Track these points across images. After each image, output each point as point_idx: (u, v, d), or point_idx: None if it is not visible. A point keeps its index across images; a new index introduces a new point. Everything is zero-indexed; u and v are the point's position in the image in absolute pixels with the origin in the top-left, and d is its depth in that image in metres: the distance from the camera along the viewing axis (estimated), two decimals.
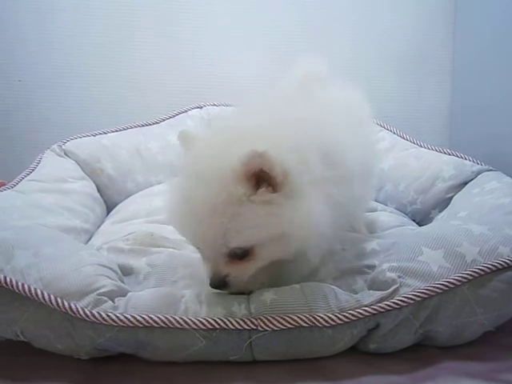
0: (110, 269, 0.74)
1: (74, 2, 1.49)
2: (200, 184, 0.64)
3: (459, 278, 0.67)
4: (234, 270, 0.68)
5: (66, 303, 0.63)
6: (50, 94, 1.52)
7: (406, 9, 1.59)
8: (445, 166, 1.23)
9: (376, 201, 1.32)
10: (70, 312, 0.63)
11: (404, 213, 1.25)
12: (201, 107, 1.49)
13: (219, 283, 0.68)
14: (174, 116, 1.46)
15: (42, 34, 1.50)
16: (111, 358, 0.68)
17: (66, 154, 1.25)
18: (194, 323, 0.64)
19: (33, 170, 1.15)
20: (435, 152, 1.31)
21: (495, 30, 1.30)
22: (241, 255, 0.67)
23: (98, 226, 1.14)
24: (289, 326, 0.65)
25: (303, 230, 0.66)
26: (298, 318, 0.65)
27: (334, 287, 0.71)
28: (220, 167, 0.63)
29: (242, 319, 0.65)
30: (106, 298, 0.65)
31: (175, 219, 0.71)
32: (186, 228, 0.69)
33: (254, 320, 0.65)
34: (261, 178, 0.64)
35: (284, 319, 0.65)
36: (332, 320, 0.65)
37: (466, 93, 1.52)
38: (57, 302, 0.63)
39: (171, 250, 0.86)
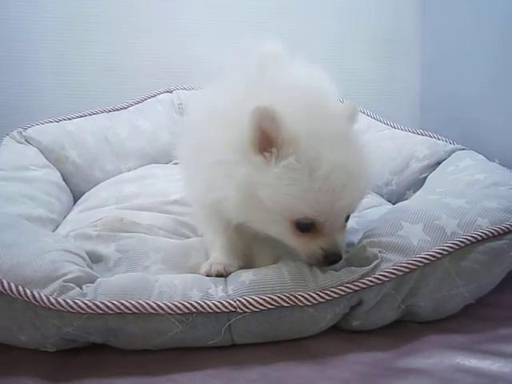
0: (77, 255, 0.69)
1: None
2: (336, 145, 0.64)
3: (440, 251, 0.66)
4: (343, 236, 0.69)
5: (28, 291, 0.58)
6: (8, 78, 1.44)
7: None
8: (419, 146, 1.23)
9: None
10: (33, 301, 0.58)
11: (380, 195, 1.25)
12: (171, 91, 1.44)
13: (340, 254, 0.67)
14: (143, 101, 1.41)
15: (3, 16, 1.41)
16: (81, 349, 0.64)
17: (26, 140, 1.18)
18: (169, 307, 0.61)
19: None
20: (409, 133, 1.31)
21: (466, 11, 1.30)
22: (349, 218, 0.70)
23: (65, 216, 1.08)
24: (269, 306, 0.62)
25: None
26: (278, 297, 0.63)
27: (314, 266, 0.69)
28: (343, 124, 0.68)
29: (219, 301, 0.62)
30: (72, 285, 0.61)
31: (295, 196, 0.63)
32: (330, 190, 0.63)
33: (232, 302, 0.62)
34: None
35: (264, 300, 0.62)
36: (313, 298, 0.63)
37: (437, 74, 1.52)
38: (18, 290, 0.58)
39: (142, 234, 0.82)
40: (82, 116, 1.31)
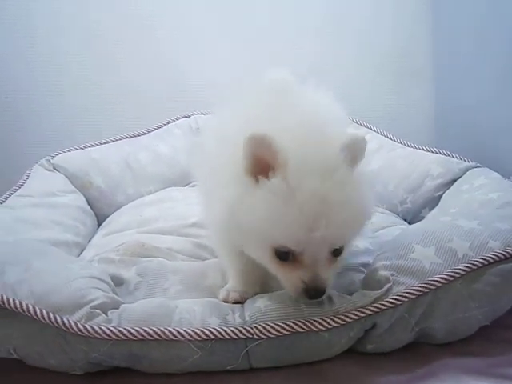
0: (102, 280, 0.73)
1: (55, 22, 1.50)
2: (323, 174, 0.62)
3: (452, 274, 0.68)
4: (330, 271, 0.66)
5: (58, 318, 0.62)
6: (36, 110, 1.52)
7: (385, 8, 1.60)
8: (432, 164, 1.24)
9: None
10: (62, 327, 0.62)
11: (395, 213, 1.26)
12: (188, 116, 1.49)
13: (322, 289, 0.64)
14: (162, 126, 1.46)
15: (27, 53, 1.50)
16: (106, 372, 0.67)
17: (54, 168, 1.24)
18: (189, 334, 0.63)
19: (21, 186, 1.14)
20: (422, 151, 1.32)
21: (477, 31, 1.32)
22: (340, 251, 0.66)
23: (90, 239, 1.13)
24: (285, 332, 0.64)
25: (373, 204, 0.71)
26: (294, 323, 0.65)
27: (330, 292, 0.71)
28: (335, 153, 0.64)
29: (237, 328, 0.64)
30: (98, 311, 0.64)
31: (275, 223, 0.62)
32: (305, 221, 0.61)
33: (249, 328, 0.64)
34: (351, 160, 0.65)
35: (280, 326, 0.64)
36: (328, 323, 0.65)
37: (450, 93, 1.53)
38: (49, 317, 0.62)
39: (161, 259, 0.86)
40: (105, 143, 1.37)
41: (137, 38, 1.53)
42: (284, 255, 0.64)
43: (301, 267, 0.64)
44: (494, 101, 1.26)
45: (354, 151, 0.64)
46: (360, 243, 0.91)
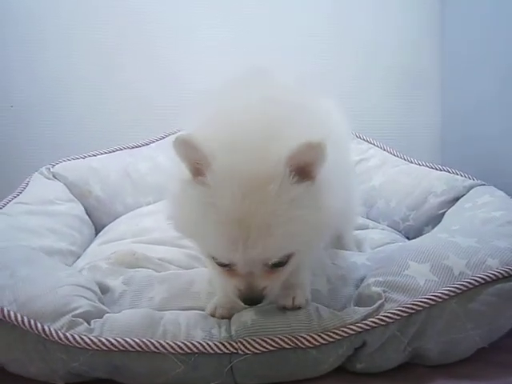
0: (89, 289, 0.71)
1: (61, 33, 1.52)
2: (250, 193, 0.55)
3: (447, 292, 0.65)
4: (271, 280, 0.62)
5: (39, 325, 0.61)
6: (40, 120, 1.53)
7: (391, 23, 1.60)
8: (436, 181, 1.22)
9: (368, 218, 1.30)
10: (42, 334, 0.60)
11: (397, 230, 1.23)
12: None
13: (258, 298, 0.62)
14: (164, 138, 1.46)
15: (32, 62, 1.52)
16: (88, 383, 0.65)
17: (54, 176, 1.24)
18: (172, 347, 0.61)
19: (20, 193, 1.14)
20: (426, 168, 1.30)
21: (485, 47, 1.31)
22: (283, 263, 0.62)
23: (85, 249, 1.12)
24: (270, 348, 0.62)
25: (337, 216, 0.64)
26: (280, 339, 0.63)
27: (318, 305, 0.69)
28: (271, 165, 0.56)
29: (221, 342, 0.62)
30: (81, 320, 0.63)
31: (201, 229, 0.60)
32: (222, 239, 0.58)
33: (233, 343, 0.62)
34: (302, 170, 0.58)
35: (265, 341, 0.62)
36: (315, 340, 0.63)
37: (457, 111, 1.51)
38: (29, 324, 0.61)
39: (150, 270, 0.84)
40: (106, 153, 1.37)
41: (140, 50, 1.54)
42: (220, 263, 0.62)
43: (237, 275, 0.61)
44: (503, 121, 1.24)
45: (305, 160, 0.57)
46: (357, 259, 0.89)
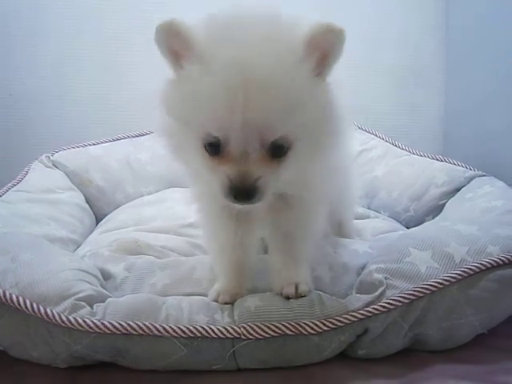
0: (91, 274, 0.72)
1: (62, 24, 1.51)
2: (257, 46, 0.53)
3: (448, 278, 0.66)
4: (266, 171, 0.56)
5: (42, 309, 0.61)
6: (39, 108, 1.53)
7: (395, 21, 1.59)
8: (437, 172, 1.22)
9: (369, 208, 1.30)
10: (45, 318, 0.61)
11: (398, 221, 1.24)
12: None
13: (250, 190, 0.55)
14: None
15: (31, 50, 1.51)
16: (90, 367, 0.65)
17: (54, 165, 1.24)
18: (174, 331, 0.62)
19: (20, 181, 1.14)
20: (428, 159, 1.31)
21: (489, 44, 1.30)
22: (280, 151, 0.56)
23: (86, 237, 1.12)
24: (273, 334, 0.63)
25: (338, 124, 0.60)
26: (283, 325, 0.63)
27: (321, 292, 0.69)
28: (284, 32, 0.54)
29: (224, 327, 0.63)
30: (83, 304, 0.63)
31: (196, 97, 0.55)
32: (219, 96, 0.53)
33: (237, 328, 0.63)
34: (319, 58, 0.55)
35: (268, 327, 0.63)
36: (318, 327, 0.63)
37: (459, 99, 1.51)
38: (32, 307, 0.61)
39: (152, 257, 0.84)
40: (106, 142, 1.37)
41: (143, 38, 1.52)
42: (213, 148, 0.56)
43: (227, 161, 0.56)
44: (503, 112, 1.24)
45: (323, 46, 0.55)
46: (359, 246, 0.89)
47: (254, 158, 0.55)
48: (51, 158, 1.24)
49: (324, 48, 0.55)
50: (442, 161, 1.27)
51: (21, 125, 1.52)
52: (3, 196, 1.05)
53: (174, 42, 0.55)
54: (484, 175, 1.15)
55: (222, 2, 0.56)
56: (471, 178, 1.15)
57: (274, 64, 0.53)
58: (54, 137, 1.50)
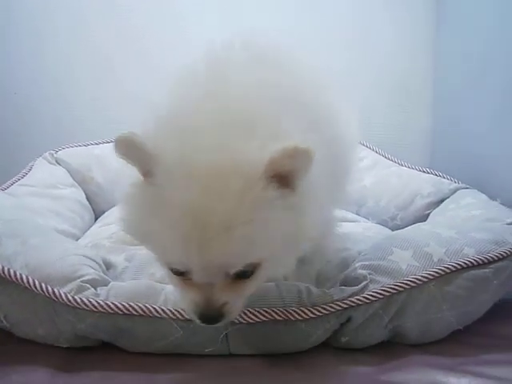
0: (94, 261, 0.76)
1: (66, 23, 1.55)
2: (210, 187, 0.49)
3: (426, 275, 0.71)
4: (232, 295, 0.55)
5: (49, 288, 0.66)
6: (43, 107, 1.57)
7: (386, 35, 1.63)
8: (424, 183, 1.28)
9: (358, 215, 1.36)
10: (53, 297, 0.65)
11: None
12: None
13: (215, 316, 0.55)
14: None
15: (37, 49, 1.56)
16: (90, 348, 0.70)
17: (57, 161, 1.28)
18: (173, 313, 0.66)
19: (24, 176, 1.18)
20: (415, 171, 1.37)
21: (477, 55, 1.36)
22: (248, 274, 0.54)
23: (85, 232, 1.16)
24: (263, 319, 0.67)
25: (314, 230, 0.56)
26: (273, 311, 0.68)
27: (309, 285, 0.74)
28: (239, 164, 0.49)
29: None
30: (88, 286, 0.68)
31: (154, 230, 0.52)
32: (176, 239, 0.51)
33: None
34: (282, 177, 0.51)
35: (259, 312, 0.68)
36: (305, 314, 0.68)
37: (447, 114, 1.56)
38: (41, 286, 0.66)
39: None
40: (108, 142, 1.41)
41: (146, 40, 1.57)
42: (176, 270, 0.54)
43: (194, 287, 0.54)
44: (489, 126, 1.29)
45: (285, 168, 0.50)
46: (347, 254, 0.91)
47: (218, 285, 0.54)
48: (55, 155, 1.29)
49: (290, 171, 0.51)
50: (428, 173, 1.33)
51: (26, 123, 1.57)
52: (8, 189, 1.09)
53: (132, 155, 0.52)
54: (467, 188, 1.22)
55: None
56: (455, 190, 1.21)
57: (231, 206, 0.49)
58: (56, 137, 1.54)
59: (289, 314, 0.68)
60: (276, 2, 1.62)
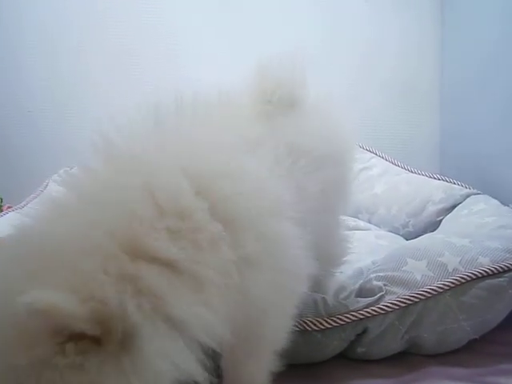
0: None
1: (78, 43, 1.59)
2: None
3: (441, 286, 0.71)
4: None
5: None
6: (56, 125, 1.60)
7: (393, 37, 1.64)
8: (435, 190, 1.28)
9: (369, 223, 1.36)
10: None
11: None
12: None
13: None
14: None
15: (51, 69, 1.60)
16: None
17: None
18: None
19: (39, 195, 1.20)
20: (425, 177, 1.37)
21: (484, 57, 1.36)
22: None
23: None
24: None
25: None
26: None
27: (325, 296, 0.75)
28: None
29: None
30: None
31: None
32: None
33: None
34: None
35: None
36: (321, 324, 0.69)
37: (455, 118, 1.56)
38: None
39: None
40: None
41: (155, 54, 1.59)
42: None
43: None
44: (498, 129, 1.29)
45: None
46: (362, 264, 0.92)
47: None
48: (70, 172, 1.31)
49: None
50: (439, 179, 1.34)
51: (40, 140, 1.60)
52: (23, 209, 1.11)
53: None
54: (479, 193, 1.22)
55: None
56: (467, 196, 1.21)
57: None
58: (68, 154, 1.56)
59: (305, 325, 0.69)
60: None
